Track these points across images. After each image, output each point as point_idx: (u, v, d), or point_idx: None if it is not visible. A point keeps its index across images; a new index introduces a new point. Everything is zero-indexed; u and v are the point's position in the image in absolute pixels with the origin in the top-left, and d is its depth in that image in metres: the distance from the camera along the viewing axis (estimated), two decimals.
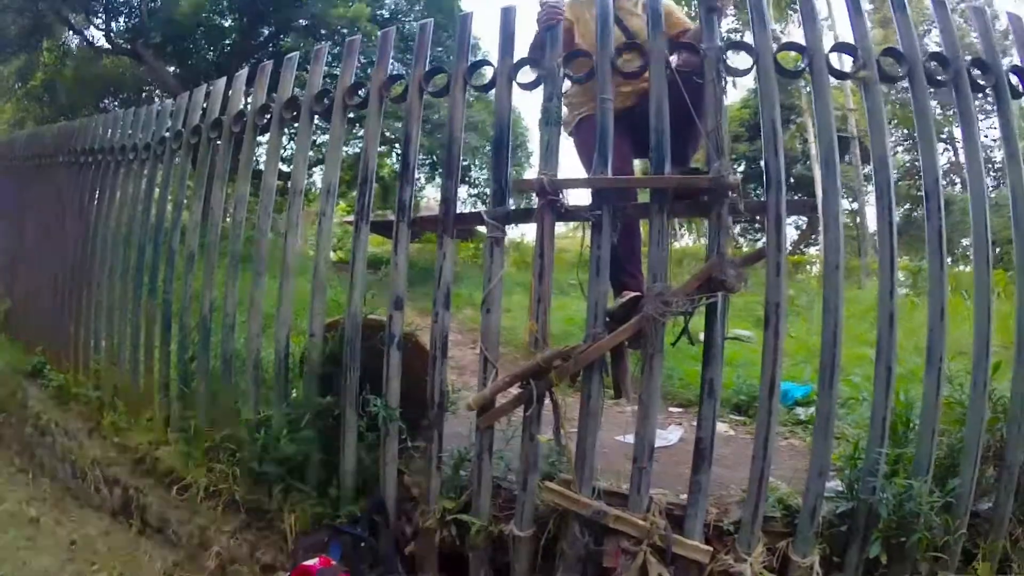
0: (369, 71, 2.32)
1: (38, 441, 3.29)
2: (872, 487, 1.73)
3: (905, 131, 17.26)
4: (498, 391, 1.86)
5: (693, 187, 1.81)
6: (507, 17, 2.13)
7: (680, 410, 3.34)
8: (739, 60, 1.99)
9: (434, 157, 12.68)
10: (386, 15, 13.08)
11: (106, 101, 14.63)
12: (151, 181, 3.03)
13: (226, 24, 13.36)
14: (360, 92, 2.28)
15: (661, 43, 1.89)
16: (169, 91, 12.87)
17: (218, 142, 2.70)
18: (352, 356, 2.12)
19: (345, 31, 10.85)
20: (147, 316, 2.88)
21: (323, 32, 11.91)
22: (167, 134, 2.96)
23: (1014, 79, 2.00)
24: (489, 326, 1.92)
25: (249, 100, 2.62)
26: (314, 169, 10.65)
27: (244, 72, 2.70)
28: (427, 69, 2.15)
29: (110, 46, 13.70)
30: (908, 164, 17.96)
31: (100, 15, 13.26)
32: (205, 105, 2.83)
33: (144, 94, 14.71)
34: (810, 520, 1.75)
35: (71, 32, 13.93)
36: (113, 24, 13.42)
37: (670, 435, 2.71)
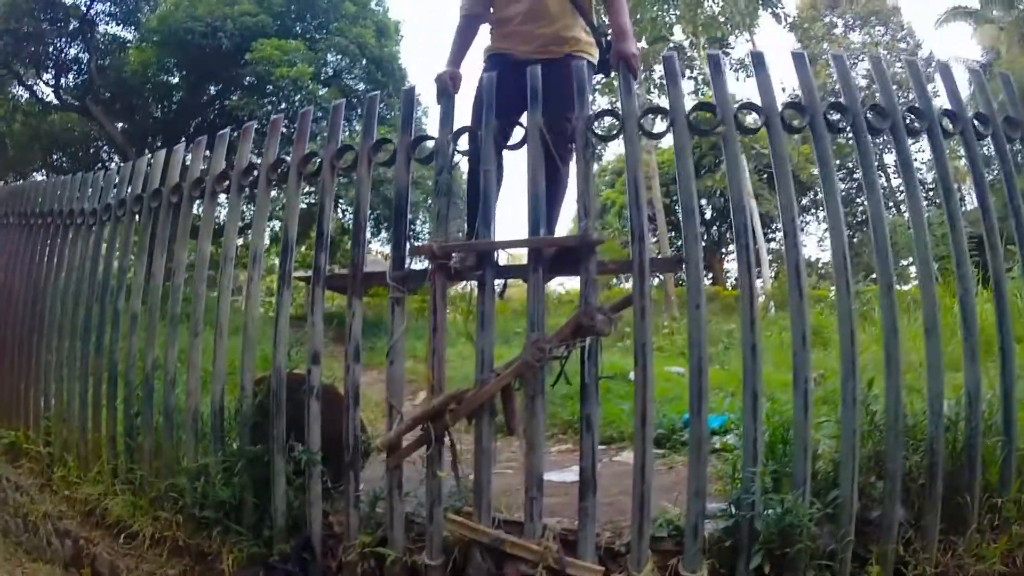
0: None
1: None
2: (750, 503, 1.90)
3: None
4: (402, 433, 2.06)
5: (563, 246, 2.09)
6: (407, 97, 2.42)
7: (602, 447, 3.46)
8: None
9: (376, 213, 12.29)
10: (330, 72, 13.02)
11: (55, 156, 14.62)
12: (98, 244, 3.18)
13: (173, 81, 13.52)
14: (281, 168, 2.52)
15: (536, 118, 2.17)
16: (117, 147, 12.98)
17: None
18: (278, 407, 2.31)
19: (290, 89, 10.99)
20: (94, 374, 3.00)
21: (268, 90, 11.92)
22: (112, 201, 3.15)
23: (871, 116, 2.17)
24: (393, 375, 2.14)
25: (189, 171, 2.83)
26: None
27: (181, 146, 2.92)
28: (337, 147, 2.39)
29: (59, 102, 13.74)
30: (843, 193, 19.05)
31: (50, 71, 13.36)
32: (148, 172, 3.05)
33: (92, 150, 14.74)
34: (693, 537, 1.91)
35: (20, 87, 13.93)
36: (63, 80, 13.52)
37: None
